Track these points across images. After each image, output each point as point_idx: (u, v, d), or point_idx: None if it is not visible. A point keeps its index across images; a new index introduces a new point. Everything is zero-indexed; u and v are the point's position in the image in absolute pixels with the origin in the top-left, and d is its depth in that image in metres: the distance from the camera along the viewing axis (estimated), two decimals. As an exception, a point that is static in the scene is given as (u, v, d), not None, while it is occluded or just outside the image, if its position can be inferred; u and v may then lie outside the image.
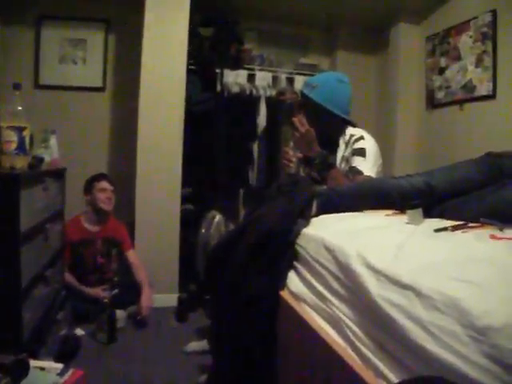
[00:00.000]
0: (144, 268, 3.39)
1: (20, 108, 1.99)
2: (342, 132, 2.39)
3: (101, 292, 3.12)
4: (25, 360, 1.72)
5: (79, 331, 2.85)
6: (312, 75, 4.12)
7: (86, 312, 2.99)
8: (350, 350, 1.11)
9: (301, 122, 2.21)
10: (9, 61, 3.93)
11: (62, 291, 2.81)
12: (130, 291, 3.24)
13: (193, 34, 3.69)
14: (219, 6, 4.03)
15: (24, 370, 1.70)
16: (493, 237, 1.17)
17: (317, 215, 1.70)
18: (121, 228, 3.55)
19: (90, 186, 3.39)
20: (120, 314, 2.99)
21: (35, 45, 4.02)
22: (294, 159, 2.40)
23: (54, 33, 4.05)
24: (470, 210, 1.56)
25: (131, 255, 3.46)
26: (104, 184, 3.39)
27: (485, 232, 1.24)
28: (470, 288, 0.85)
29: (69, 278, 3.10)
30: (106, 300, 2.96)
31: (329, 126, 2.40)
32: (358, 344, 1.08)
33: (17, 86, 1.99)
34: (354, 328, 1.11)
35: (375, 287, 1.03)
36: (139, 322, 3.14)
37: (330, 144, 2.36)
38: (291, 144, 2.40)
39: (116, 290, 3.14)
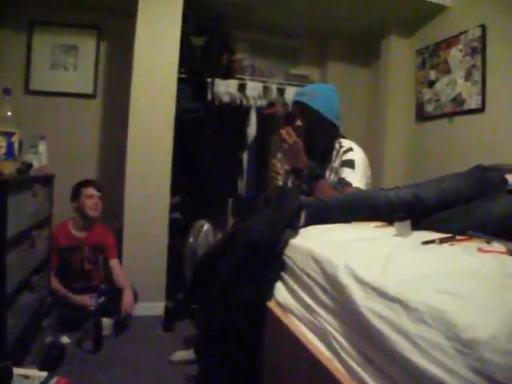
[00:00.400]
0: (126, 277, 3.37)
1: (9, 113, 1.98)
2: (336, 142, 2.40)
3: (88, 300, 3.09)
4: (8, 368, 1.70)
5: (65, 339, 2.82)
6: (303, 86, 4.15)
7: (72, 319, 2.96)
8: (336, 362, 1.10)
9: (289, 133, 2.21)
10: (0, 66, 3.91)
11: (48, 298, 2.78)
12: (116, 299, 3.21)
13: (184, 43, 3.70)
14: (211, 16, 4.04)
15: (7, 377, 1.68)
16: (480, 250, 1.17)
17: (305, 226, 1.71)
18: (108, 235, 3.52)
19: (77, 192, 3.36)
20: (106, 322, 2.96)
21: (26, 50, 4.00)
22: (281, 171, 2.41)
23: (46, 39, 4.04)
24: (458, 222, 1.57)
25: (114, 264, 3.43)
26: (91, 190, 3.36)
27: (472, 245, 1.25)
28: (457, 301, 0.85)
29: (55, 284, 3.07)
30: (92, 308, 2.93)
31: (327, 135, 2.41)
32: (345, 356, 1.07)
33: (7, 92, 1.99)
34: (341, 340, 1.11)
35: (362, 299, 1.03)
36: (120, 325, 3.12)
37: (324, 154, 2.37)
38: (279, 156, 2.41)
39: (103, 298, 3.11)
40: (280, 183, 2.43)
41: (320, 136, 2.37)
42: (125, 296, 3.22)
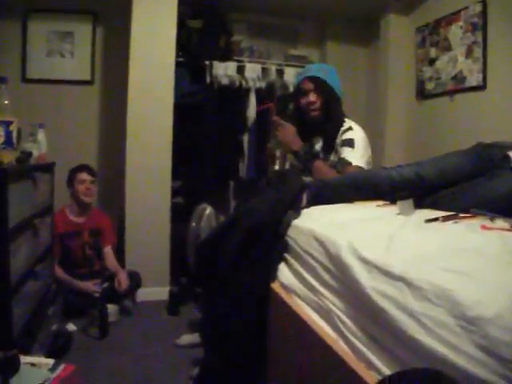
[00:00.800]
0: (118, 264, 3.45)
1: (6, 102, 1.96)
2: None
3: (91, 286, 3.10)
4: (15, 356, 1.70)
5: (71, 326, 2.84)
6: (302, 67, 4.12)
7: (78, 306, 2.98)
8: (341, 342, 1.11)
9: (279, 122, 2.30)
10: (-5, 54, 3.88)
11: (53, 286, 2.79)
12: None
13: (181, 26, 3.66)
14: (208, -2, 4.00)
15: (15, 366, 1.68)
16: (484, 227, 1.17)
17: (307, 207, 1.70)
18: (105, 220, 3.56)
19: (71, 177, 3.37)
20: (112, 308, 2.98)
21: (22, 38, 3.97)
22: (277, 155, 2.44)
23: (41, 26, 3.99)
24: (461, 200, 1.57)
25: (108, 251, 3.49)
26: (83, 175, 3.35)
27: (476, 222, 1.24)
28: (461, 278, 0.84)
29: (59, 272, 3.08)
30: (97, 294, 2.94)
31: (340, 111, 2.43)
32: (350, 336, 1.07)
33: (3, 80, 1.97)
34: (345, 320, 1.11)
35: (366, 279, 1.02)
36: (124, 309, 3.19)
37: (336, 130, 2.37)
38: (273, 142, 2.43)
39: (106, 284, 3.13)
40: (277, 167, 2.45)
41: (335, 112, 2.39)
42: (119, 272, 3.30)
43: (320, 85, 2.35)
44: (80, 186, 3.32)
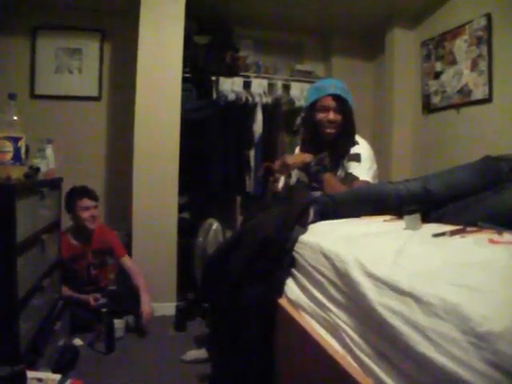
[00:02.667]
0: (141, 273, 3.32)
1: (15, 118, 1.98)
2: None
3: (92, 299, 3.10)
4: (22, 371, 1.70)
5: (77, 341, 2.83)
6: (308, 81, 4.15)
7: (84, 321, 2.97)
8: (349, 358, 1.10)
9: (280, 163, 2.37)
10: (4, 71, 3.93)
11: (60, 301, 2.79)
12: (128, 300, 3.21)
13: (188, 43, 3.69)
14: (214, 15, 4.04)
15: (22, 381, 1.68)
16: (491, 241, 1.16)
17: (314, 222, 1.70)
18: (110, 235, 3.45)
19: (71, 203, 3.24)
20: (118, 323, 2.97)
21: (31, 55, 4.03)
22: (281, 176, 2.47)
23: (50, 42, 4.05)
24: (468, 214, 1.56)
25: (126, 261, 3.36)
26: (86, 202, 3.24)
27: (483, 236, 1.23)
28: (470, 293, 0.84)
29: (64, 290, 3.04)
30: (104, 309, 2.94)
31: (355, 131, 2.44)
32: (358, 351, 1.07)
33: (12, 96, 1.99)
34: (353, 335, 1.10)
35: (374, 294, 1.02)
36: (140, 330, 3.12)
37: (347, 149, 2.38)
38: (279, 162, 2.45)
39: (104, 300, 3.10)
40: (281, 184, 2.46)
41: (351, 132, 2.40)
42: (142, 303, 3.16)
43: (342, 104, 2.36)
44: (84, 213, 3.22)
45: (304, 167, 2.33)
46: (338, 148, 2.37)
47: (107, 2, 3.92)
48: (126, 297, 3.23)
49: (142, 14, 3.47)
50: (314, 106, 2.41)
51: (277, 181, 2.48)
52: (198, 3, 3.70)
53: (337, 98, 2.35)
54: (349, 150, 2.34)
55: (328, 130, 2.35)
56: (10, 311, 1.86)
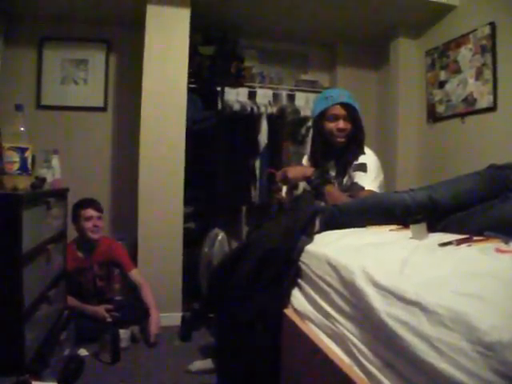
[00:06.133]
0: (149, 287, 3.33)
1: (22, 129, 1.99)
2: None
3: (102, 310, 3.09)
4: (27, 381, 1.70)
5: (83, 351, 2.83)
6: (313, 91, 4.17)
7: (90, 332, 2.96)
8: (355, 368, 1.09)
9: (281, 175, 2.39)
10: (11, 82, 3.96)
11: (65, 311, 2.79)
12: (133, 311, 3.21)
13: (193, 53, 3.72)
14: (219, 25, 4.06)
15: (27, 392, 1.68)
16: (498, 250, 1.16)
17: (320, 232, 1.70)
18: (116, 248, 3.45)
19: (76, 214, 3.25)
20: (123, 333, 2.97)
21: (37, 66, 4.05)
22: (283, 187, 2.48)
23: (56, 53, 4.08)
24: (475, 223, 1.55)
25: (134, 275, 3.36)
26: (90, 212, 3.24)
27: (490, 246, 1.23)
28: (477, 303, 0.83)
29: (70, 300, 3.03)
30: (109, 320, 2.93)
31: (363, 141, 2.45)
32: (364, 362, 1.06)
33: (19, 108, 2.00)
34: (360, 345, 1.10)
35: (380, 304, 1.02)
36: (147, 342, 3.12)
37: (354, 158, 2.39)
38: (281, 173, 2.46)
39: (119, 314, 3.09)
40: (284, 194, 2.47)
41: (360, 141, 2.41)
42: (151, 319, 3.16)
43: (352, 112, 2.37)
44: (87, 223, 3.22)
45: (305, 180, 2.34)
46: (346, 157, 2.38)
47: (113, 13, 3.94)
48: (132, 307, 3.23)
49: (148, 25, 3.49)
50: (323, 115, 2.42)
51: (279, 190, 2.48)
52: (204, 14, 3.73)
53: (346, 106, 2.36)
54: (357, 159, 2.35)
55: (338, 139, 2.36)
56: (15, 321, 1.85)
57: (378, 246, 1.37)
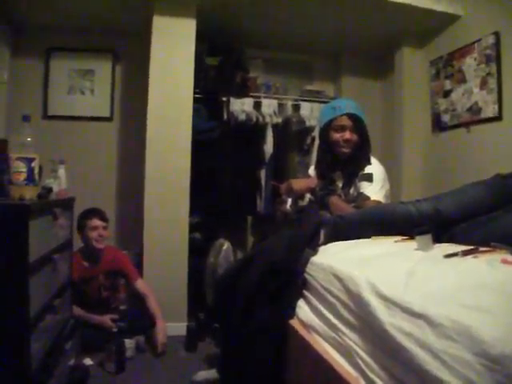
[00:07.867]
0: (154, 296, 3.32)
1: (29, 139, 2.00)
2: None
3: (108, 320, 3.09)
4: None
5: (88, 361, 2.82)
6: (318, 101, 4.17)
7: (95, 341, 2.96)
8: (361, 380, 1.09)
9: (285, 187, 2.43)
10: (19, 92, 3.99)
11: (70, 321, 2.79)
12: (138, 320, 3.20)
13: (199, 64, 3.73)
14: (225, 36, 4.08)
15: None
16: (504, 261, 1.15)
17: (325, 243, 1.70)
18: (122, 258, 3.45)
19: (81, 223, 3.26)
20: (129, 343, 2.96)
21: (44, 76, 4.08)
22: (288, 199, 2.48)
23: (63, 64, 4.11)
24: (480, 233, 1.55)
25: (140, 285, 3.36)
26: (95, 222, 3.25)
27: (496, 257, 1.22)
28: (482, 315, 0.83)
29: (76, 310, 3.03)
30: (114, 329, 2.93)
31: (369, 151, 2.46)
32: (370, 374, 1.06)
33: (26, 118, 2.02)
34: (366, 357, 1.10)
35: (386, 316, 1.01)
36: (153, 352, 3.12)
37: (360, 168, 2.39)
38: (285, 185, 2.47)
39: (125, 324, 3.08)
40: (288, 206, 2.47)
41: (366, 152, 2.42)
42: (158, 330, 3.17)
43: (358, 123, 2.38)
44: (92, 233, 3.22)
45: (310, 192, 2.34)
46: (352, 167, 2.38)
47: (119, 23, 3.97)
48: (137, 317, 3.22)
49: (154, 36, 3.51)
50: (329, 125, 2.42)
51: (284, 202, 2.49)
52: (209, 25, 3.75)
53: (353, 117, 2.37)
54: (363, 169, 2.35)
55: (344, 150, 2.37)
56: (21, 331, 1.86)
57: (383, 257, 1.37)
